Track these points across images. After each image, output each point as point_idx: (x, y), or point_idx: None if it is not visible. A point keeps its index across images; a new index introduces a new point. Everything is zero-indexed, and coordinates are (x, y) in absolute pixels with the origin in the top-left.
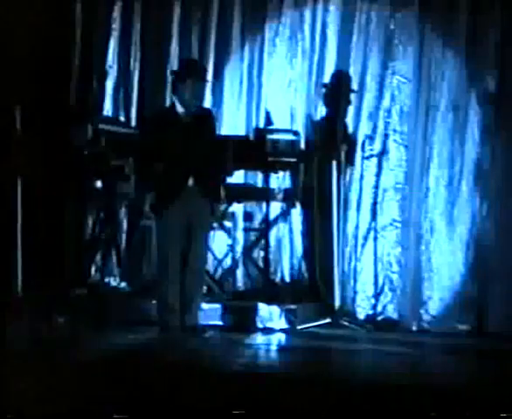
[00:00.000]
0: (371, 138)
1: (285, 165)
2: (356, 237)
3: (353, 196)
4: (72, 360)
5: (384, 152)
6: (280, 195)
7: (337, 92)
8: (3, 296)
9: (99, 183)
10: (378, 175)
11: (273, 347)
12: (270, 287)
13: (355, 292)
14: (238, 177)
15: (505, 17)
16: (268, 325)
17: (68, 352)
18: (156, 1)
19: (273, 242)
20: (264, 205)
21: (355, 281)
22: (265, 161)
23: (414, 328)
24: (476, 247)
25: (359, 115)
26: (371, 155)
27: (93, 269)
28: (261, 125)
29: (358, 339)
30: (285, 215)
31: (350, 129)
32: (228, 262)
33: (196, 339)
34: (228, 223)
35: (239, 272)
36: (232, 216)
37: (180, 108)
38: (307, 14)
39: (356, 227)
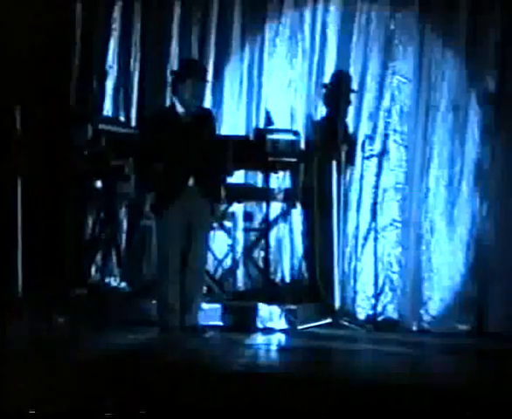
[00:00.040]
0: (371, 138)
1: (285, 165)
2: (356, 237)
3: (353, 196)
4: (72, 360)
5: (384, 152)
6: (281, 196)
7: (337, 92)
8: (3, 296)
9: (99, 183)
10: (378, 175)
11: (274, 348)
12: (270, 287)
13: (355, 293)
14: (238, 177)
15: (505, 17)
16: (268, 325)
17: (68, 352)
18: (156, 1)
19: (273, 242)
20: (264, 205)
21: (355, 281)
22: (265, 161)
23: (414, 328)
24: (476, 247)
25: (359, 115)
26: (371, 155)
27: (93, 269)
28: (261, 125)
29: (358, 339)
30: (285, 215)
31: (350, 129)
32: (228, 262)
33: (196, 339)
34: (228, 223)
35: (240, 272)
36: (232, 216)
37: (180, 108)
38: (308, 14)
39: (357, 227)
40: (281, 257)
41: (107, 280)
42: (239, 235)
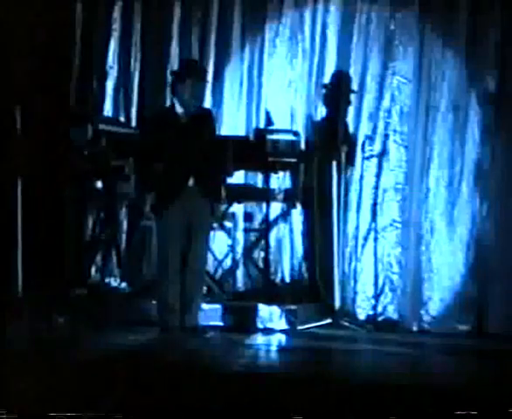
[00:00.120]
0: (371, 138)
1: (285, 165)
2: (356, 238)
3: (353, 197)
4: (72, 360)
5: (384, 152)
6: (281, 196)
7: (337, 92)
8: (3, 296)
9: (99, 183)
10: (378, 175)
11: (274, 348)
12: (270, 288)
13: (355, 293)
14: (238, 177)
15: (505, 17)
16: (268, 325)
17: (68, 352)
18: (156, 1)
19: (273, 242)
20: (264, 205)
21: (355, 281)
22: (265, 161)
23: (414, 329)
24: (476, 247)
25: (359, 116)
26: (371, 156)
27: (93, 269)
28: (261, 125)
29: (358, 339)
30: (285, 215)
31: (350, 130)
32: (228, 262)
33: (196, 339)
34: (228, 224)
35: (240, 273)
36: (233, 217)
37: (180, 108)
38: (308, 14)
39: (357, 227)
40: (281, 257)
41: (107, 280)
42: (239, 235)
